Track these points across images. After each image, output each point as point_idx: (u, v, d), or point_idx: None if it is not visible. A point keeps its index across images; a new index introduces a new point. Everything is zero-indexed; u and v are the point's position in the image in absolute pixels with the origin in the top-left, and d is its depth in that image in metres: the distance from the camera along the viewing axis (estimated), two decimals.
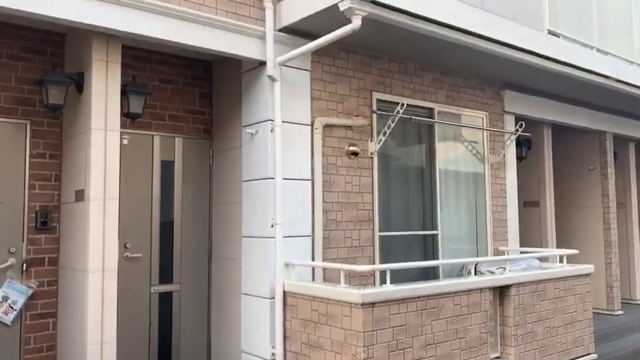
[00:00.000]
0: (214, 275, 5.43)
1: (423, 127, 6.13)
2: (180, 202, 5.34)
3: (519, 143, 7.42)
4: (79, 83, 4.39)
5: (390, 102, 5.64)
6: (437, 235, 6.08)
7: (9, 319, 4.47)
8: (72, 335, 4.41)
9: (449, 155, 6.40)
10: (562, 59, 6.04)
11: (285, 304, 4.62)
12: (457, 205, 6.44)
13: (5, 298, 4.46)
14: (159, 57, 5.24)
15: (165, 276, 5.22)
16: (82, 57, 4.43)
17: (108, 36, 4.24)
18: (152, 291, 5.13)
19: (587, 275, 6.01)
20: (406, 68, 5.92)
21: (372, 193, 5.50)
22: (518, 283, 5.22)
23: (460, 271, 6.01)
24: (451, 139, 6.44)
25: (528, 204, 8.19)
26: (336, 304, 4.17)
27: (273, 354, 4.61)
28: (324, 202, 5.10)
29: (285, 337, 4.61)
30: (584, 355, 5.82)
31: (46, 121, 4.73)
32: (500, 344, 5.17)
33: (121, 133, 4.43)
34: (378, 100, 5.62)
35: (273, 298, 4.64)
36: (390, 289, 4.20)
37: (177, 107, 5.37)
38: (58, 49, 4.81)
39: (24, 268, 4.58)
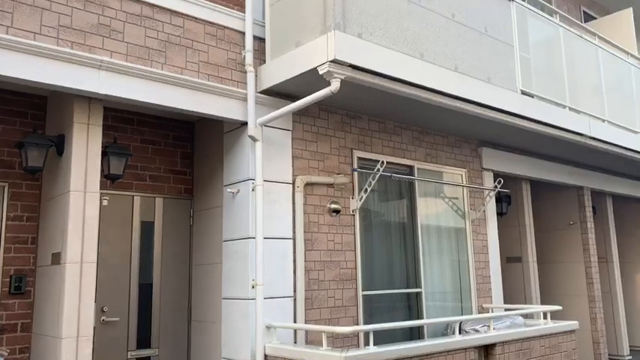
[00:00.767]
0: (194, 339, 5.28)
1: (403, 184, 6.20)
2: (159, 263, 5.26)
3: (499, 199, 7.52)
4: (59, 145, 4.38)
5: (371, 160, 5.73)
6: (420, 292, 6.04)
7: None
8: None
9: (430, 211, 6.45)
10: (536, 118, 6.22)
11: None
12: (440, 261, 6.43)
13: None
14: (141, 118, 5.30)
15: (143, 341, 5.06)
16: (64, 119, 4.44)
17: (90, 99, 4.27)
18: (129, 356, 4.96)
19: (572, 332, 5.98)
20: (386, 127, 6.05)
21: (355, 250, 5.48)
22: (503, 342, 5.16)
23: (445, 329, 5.95)
24: (432, 196, 6.51)
25: (511, 259, 8.21)
26: None
27: None
28: (305, 260, 5.06)
29: None
30: None
31: (25, 183, 4.69)
32: None
33: (100, 194, 4.40)
34: (359, 159, 5.70)
35: None
36: (373, 351, 4.14)
37: (158, 167, 5.38)
38: (39, 112, 4.83)
39: None
